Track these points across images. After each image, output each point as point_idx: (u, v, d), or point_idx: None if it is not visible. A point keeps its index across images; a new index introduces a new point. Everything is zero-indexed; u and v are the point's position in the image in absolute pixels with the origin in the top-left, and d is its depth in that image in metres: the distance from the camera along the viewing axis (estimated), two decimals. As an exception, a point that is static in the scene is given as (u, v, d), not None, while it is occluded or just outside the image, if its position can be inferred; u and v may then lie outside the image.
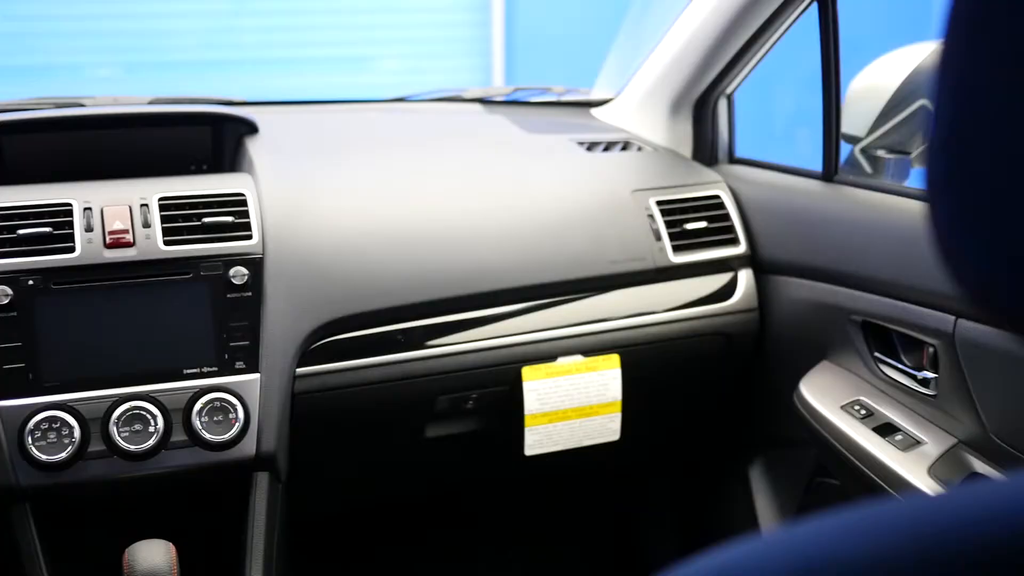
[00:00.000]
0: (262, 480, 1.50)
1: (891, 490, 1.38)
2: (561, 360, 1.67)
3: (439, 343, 1.62)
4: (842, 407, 1.54)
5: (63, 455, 1.37)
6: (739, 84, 1.93)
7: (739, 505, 1.99)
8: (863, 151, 1.69)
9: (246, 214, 1.52)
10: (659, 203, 1.78)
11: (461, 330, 1.63)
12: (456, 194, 1.71)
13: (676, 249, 1.76)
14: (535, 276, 1.66)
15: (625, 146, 1.95)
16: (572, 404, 1.68)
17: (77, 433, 1.38)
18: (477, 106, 2.20)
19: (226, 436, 1.43)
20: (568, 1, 5.97)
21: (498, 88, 2.32)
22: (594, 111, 2.18)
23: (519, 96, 2.29)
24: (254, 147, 1.71)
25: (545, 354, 1.68)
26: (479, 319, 1.64)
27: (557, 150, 1.90)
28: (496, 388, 1.67)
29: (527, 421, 1.67)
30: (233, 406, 1.44)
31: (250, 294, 1.48)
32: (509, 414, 1.68)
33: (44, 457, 1.37)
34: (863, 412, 1.51)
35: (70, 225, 1.45)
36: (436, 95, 2.23)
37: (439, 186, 1.72)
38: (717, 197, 1.84)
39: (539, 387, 1.66)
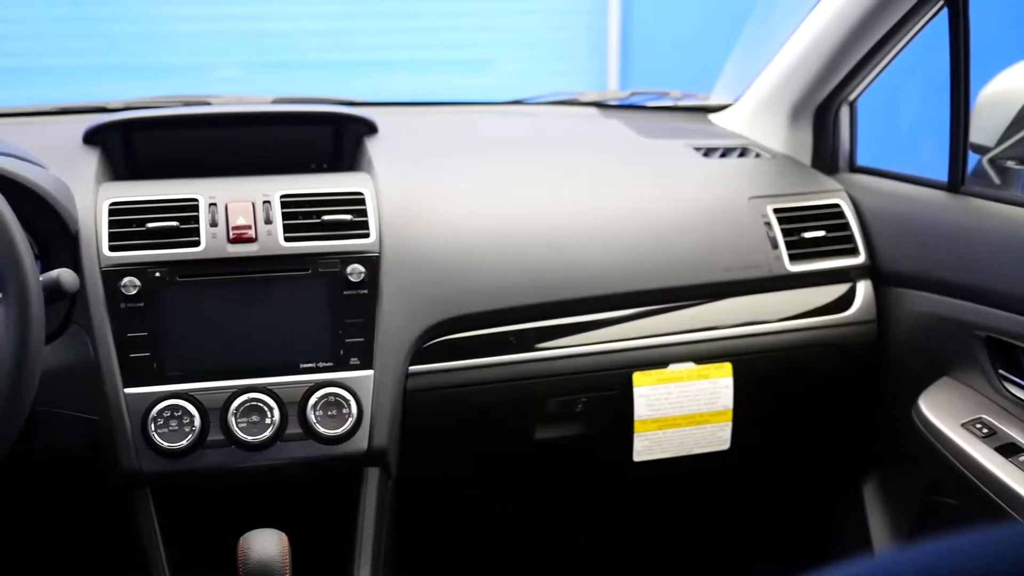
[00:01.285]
0: (373, 475, 1.52)
1: (1014, 513, 1.34)
2: (672, 367, 1.66)
3: (550, 345, 1.62)
4: (963, 425, 1.49)
5: (183, 443, 1.42)
6: (862, 91, 1.89)
7: (849, 521, 1.95)
8: (992, 162, 1.64)
9: (364, 213, 1.54)
10: (776, 211, 1.76)
11: (573, 333, 1.63)
12: (571, 197, 1.71)
13: (793, 258, 1.73)
14: (648, 281, 1.65)
15: (743, 152, 1.93)
16: (682, 411, 1.66)
17: (197, 422, 1.42)
18: (593, 110, 2.20)
19: (339, 431, 1.46)
20: (685, 5, 5.92)
21: (614, 92, 2.31)
22: (712, 116, 2.16)
23: (635, 100, 2.28)
24: (373, 147, 1.73)
25: (656, 360, 1.67)
26: (591, 323, 1.64)
27: (673, 155, 1.88)
28: (606, 392, 1.66)
29: (636, 427, 1.66)
30: (347, 401, 1.46)
31: (366, 292, 1.50)
32: (618, 419, 1.67)
33: (165, 444, 1.41)
34: (985, 431, 1.46)
35: (196, 220, 1.49)
36: (552, 98, 2.24)
37: (555, 189, 1.72)
38: (837, 206, 1.80)
39: (650, 393, 1.65)
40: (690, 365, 1.67)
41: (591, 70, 6.12)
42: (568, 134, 2.03)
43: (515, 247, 1.61)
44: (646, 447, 1.67)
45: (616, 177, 1.78)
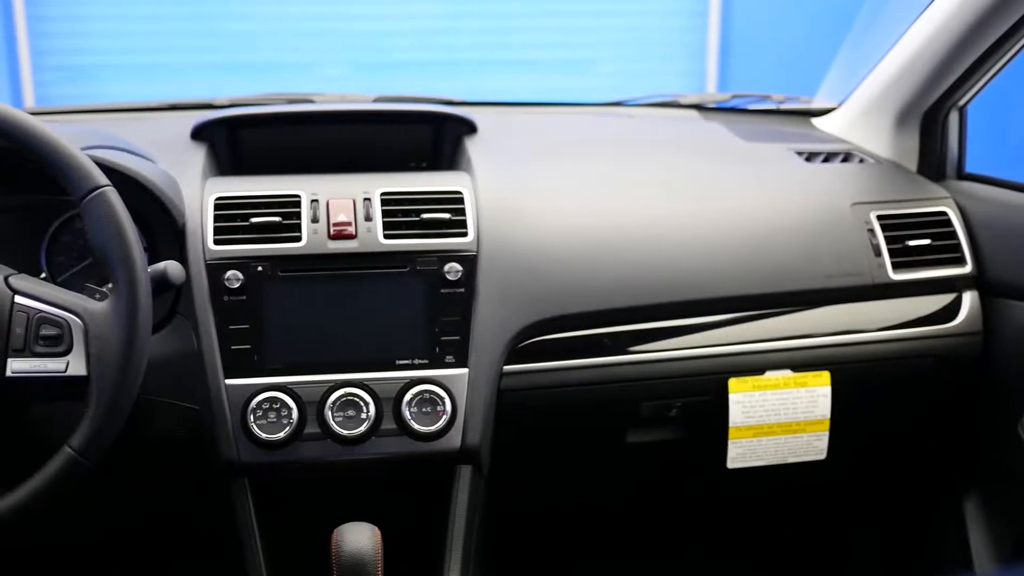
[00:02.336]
0: (465, 473, 1.53)
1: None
2: (769, 374, 1.64)
3: (645, 349, 1.61)
4: (1073, 441, 1.45)
5: (281, 435, 1.44)
6: (973, 96, 1.84)
7: (949, 538, 1.90)
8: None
9: (463, 212, 1.55)
10: (880, 217, 1.72)
11: (668, 337, 1.62)
12: (670, 200, 1.69)
13: (896, 266, 1.69)
14: (746, 286, 1.63)
15: (846, 157, 1.89)
16: (778, 419, 1.64)
17: (295, 415, 1.44)
18: (694, 112, 2.18)
19: (433, 427, 1.47)
20: (786, 6, 5.83)
21: (715, 94, 2.30)
22: (815, 120, 2.13)
23: (737, 103, 2.25)
24: (473, 147, 1.74)
25: (751, 366, 1.65)
26: (687, 327, 1.63)
27: (774, 159, 1.86)
28: (700, 398, 1.65)
29: (731, 433, 1.64)
30: (441, 399, 1.47)
31: (463, 290, 1.51)
32: (712, 425, 1.65)
33: (264, 436, 1.44)
34: (1095, 449, 1.41)
35: (298, 216, 1.52)
36: (653, 100, 2.22)
37: (654, 191, 1.71)
38: (944, 214, 1.76)
39: (745, 400, 1.63)
40: (787, 372, 1.64)
41: (688, 71, 6.07)
42: (668, 136, 2.02)
43: (613, 249, 1.60)
44: (740, 454, 1.65)
45: (716, 181, 1.76)
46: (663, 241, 1.63)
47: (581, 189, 1.69)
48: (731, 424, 1.64)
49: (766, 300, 1.64)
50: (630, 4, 5.94)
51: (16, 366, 1.17)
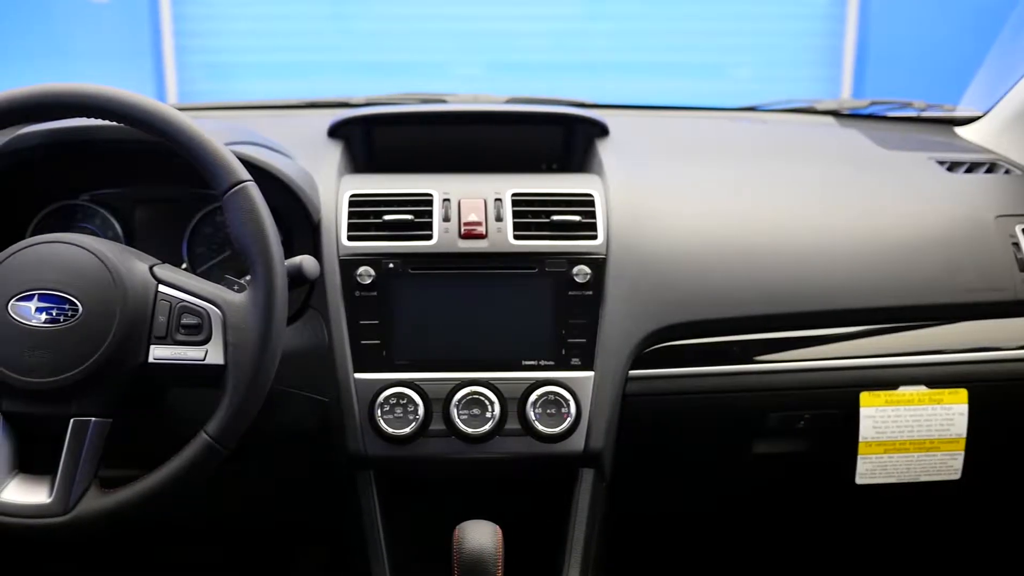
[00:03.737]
0: (587, 476, 1.53)
1: None
2: (903, 389, 1.59)
3: (775, 359, 1.58)
4: None
5: (407, 430, 1.46)
6: None
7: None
8: None
9: (593, 214, 1.55)
10: None
11: (799, 347, 1.59)
12: (804, 208, 1.66)
13: (1042, 282, 1.63)
14: (884, 298, 1.59)
15: (991, 168, 1.82)
16: (911, 436, 1.59)
17: (421, 411, 1.46)
18: (830, 119, 2.13)
19: (557, 429, 1.47)
20: (928, 11, 5.66)
21: (852, 100, 2.24)
22: (958, 129, 2.06)
23: (875, 110, 2.20)
24: (604, 149, 1.74)
25: (884, 380, 1.60)
26: (818, 337, 1.59)
27: (915, 168, 1.80)
28: (830, 410, 1.61)
29: (861, 448, 1.60)
30: (566, 401, 1.47)
31: (591, 293, 1.51)
32: (841, 439, 1.61)
33: (390, 430, 1.46)
34: None
35: (429, 214, 1.54)
36: (787, 105, 2.19)
37: (787, 199, 1.68)
38: None
39: (877, 415, 1.58)
40: (922, 388, 1.59)
41: (823, 77, 5.95)
42: (804, 143, 1.98)
43: (745, 256, 1.58)
44: (870, 470, 1.61)
45: (854, 189, 1.71)
46: (798, 249, 1.60)
47: (713, 194, 1.67)
48: (861, 439, 1.59)
49: (903, 313, 1.60)
50: (766, 7, 5.86)
51: (158, 353, 1.21)
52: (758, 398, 1.59)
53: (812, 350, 1.60)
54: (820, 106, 2.17)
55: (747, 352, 1.58)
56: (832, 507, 1.98)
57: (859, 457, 1.60)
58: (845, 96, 5.73)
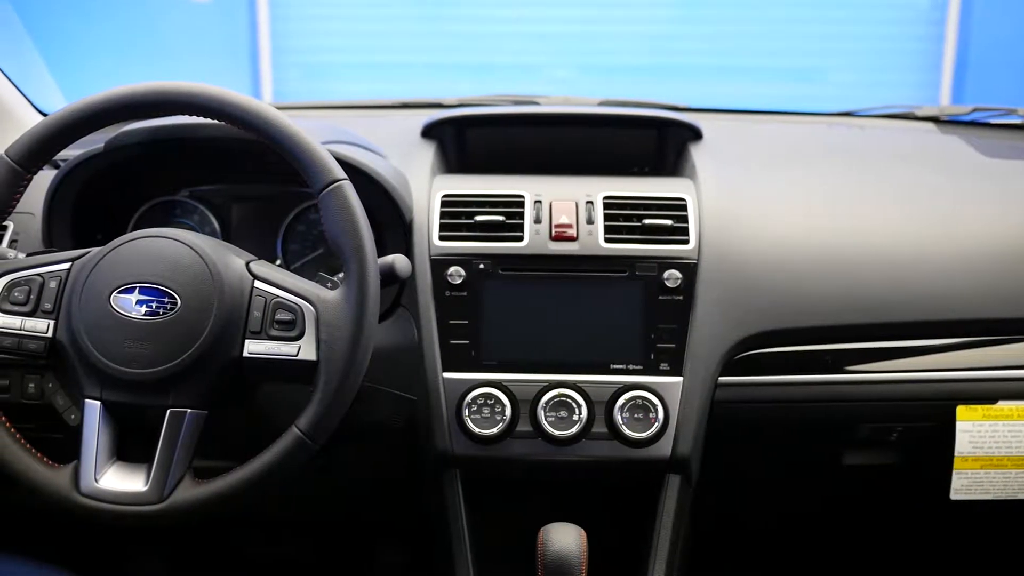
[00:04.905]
0: (674, 482, 1.52)
1: None
2: (1002, 403, 1.55)
3: (868, 369, 1.55)
4: None
5: (494, 431, 1.46)
6: None
7: None
8: None
9: (685, 219, 1.54)
10: None
11: (894, 358, 1.55)
12: (903, 216, 1.62)
13: None
14: (981, 310, 1.54)
15: (1099, 178, 1.77)
16: (1010, 452, 1.54)
17: (508, 412, 1.46)
18: (930, 125, 2.09)
19: (644, 434, 1.46)
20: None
21: (953, 107, 2.18)
22: (1067, 137, 2.00)
23: (978, 117, 2.14)
24: (697, 153, 1.72)
25: (982, 394, 1.56)
26: (915, 348, 1.55)
27: (1018, 177, 1.75)
28: (925, 423, 1.57)
29: (956, 463, 1.56)
30: (654, 406, 1.46)
31: (681, 298, 1.49)
32: (936, 453, 1.57)
33: (477, 430, 1.46)
34: None
35: (521, 216, 1.54)
36: (886, 111, 2.14)
37: (888, 205, 1.64)
38: None
39: (974, 429, 1.54)
40: (1022, 403, 1.55)
41: (922, 83, 5.83)
42: (903, 150, 1.94)
43: (840, 264, 1.55)
44: (965, 486, 1.57)
45: (956, 197, 1.67)
46: (897, 257, 1.56)
47: (809, 200, 1.65)
48: (957, 454, 1.56)
49: (1006, 326, 1.55)
50: (864, 11, 5.75)
51: (252, 347, 1.23)
52: (850, 409, 1.56)
53: (907, 361, 1.56)
54: (920, 112, 2.13)
55: (839, 362, 1.55)
56: (924, 522, 1.94)
57: (954, 472, 1.56)
58: (944, 103, 5.60)
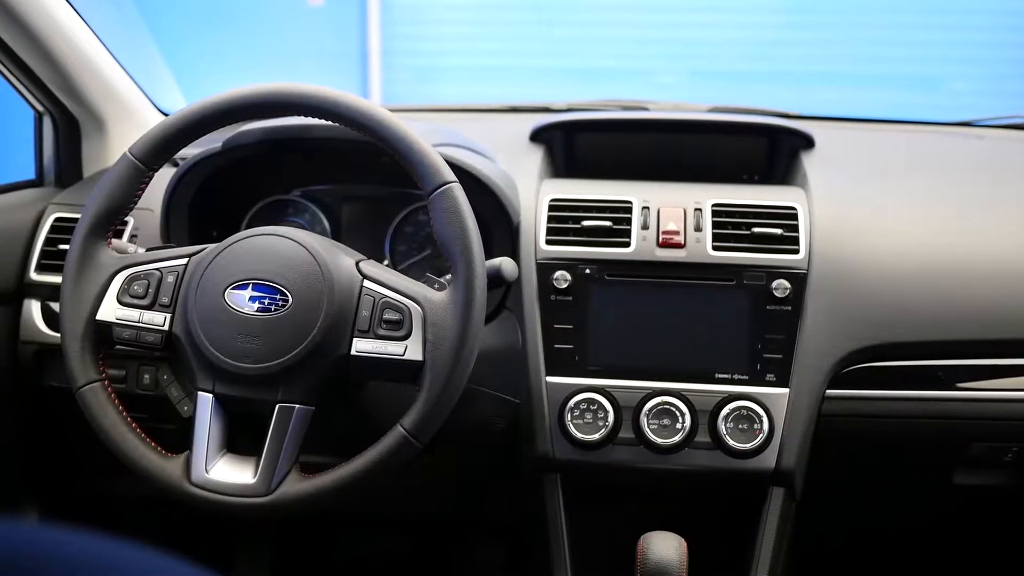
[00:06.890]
0: (777, 495, 1.49)
1: None
2: None
3: (982, 386, 1.50)
4: None
5: (596, 436, 1.46)
6: None
7: None
8: None
9: (795, 228, 1.51)
10: None
11: (1009, 375, 1.50)
12: (1022, 230, 1.57)
13: None
14: None
15: None
16: None
17: (611, 418, 1.46)
18: (1057, 136, 2.02)
19: (748, 445, 1.44)
20: None
21: (1080, 117, 2.11)
22: None
23: (1111, 125, 2.07)
24: (809, 162, 1.70)
25: (1104, 417, 1.50)
26: None
27: None
28: None
29: (1074, 487, 1.51)
30: (759, 417, 1.44)
31: (790, 308, 1.47)
32: (1054, 475, 1.53)
33: (579, 435, 1.46)
34: None
35: (628, 222, 1.53)
36: (1007, 121, 2.08)
37: (1003, 219, 1.59)
38: None
39: (1094, 452, 1.49)
40: None
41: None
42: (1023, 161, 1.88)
43: (955, 277, 1.51)
44: (1083, 511, 1.52)
45: None
46: (1014, 272, 1.52)
47: (924, 211, 1.61)
48: (1075, 476, 1.50)
49: None
50: (983, 17, 5.58)
51: (360, 346, 1.24)
52: (962, 426, 1.52)
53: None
54: (1044, 123, 2.06)
55: (952, 378, 1.51)
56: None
57: (1072, 496, 1.51)
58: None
